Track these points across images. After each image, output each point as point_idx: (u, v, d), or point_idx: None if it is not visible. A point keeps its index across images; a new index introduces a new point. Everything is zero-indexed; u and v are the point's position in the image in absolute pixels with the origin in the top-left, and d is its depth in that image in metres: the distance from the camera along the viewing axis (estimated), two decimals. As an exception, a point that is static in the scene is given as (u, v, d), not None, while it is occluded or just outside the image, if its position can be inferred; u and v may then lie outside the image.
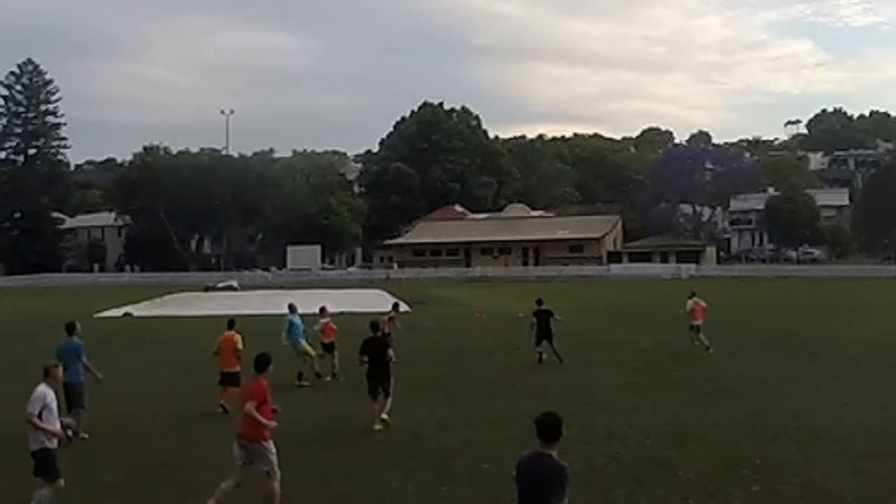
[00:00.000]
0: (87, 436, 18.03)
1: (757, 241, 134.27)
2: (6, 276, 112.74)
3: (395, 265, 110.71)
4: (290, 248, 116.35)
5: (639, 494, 13.37)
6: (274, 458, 12.75)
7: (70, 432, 16.11)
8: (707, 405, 19.97)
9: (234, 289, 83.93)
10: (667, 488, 13.59)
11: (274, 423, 12.92)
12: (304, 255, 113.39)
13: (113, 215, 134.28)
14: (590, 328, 39.05)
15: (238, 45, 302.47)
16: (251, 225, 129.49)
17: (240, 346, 21.02)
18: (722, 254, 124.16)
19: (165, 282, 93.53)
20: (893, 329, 35.72)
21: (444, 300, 59.61)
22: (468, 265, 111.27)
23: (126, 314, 51.52)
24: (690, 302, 30.98)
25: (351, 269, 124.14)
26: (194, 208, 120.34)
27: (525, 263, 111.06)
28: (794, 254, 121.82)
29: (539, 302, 28.43)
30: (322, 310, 27.12)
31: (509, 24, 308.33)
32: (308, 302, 54.44)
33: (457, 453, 16.05)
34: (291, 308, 26.28)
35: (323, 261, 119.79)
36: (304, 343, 25.37)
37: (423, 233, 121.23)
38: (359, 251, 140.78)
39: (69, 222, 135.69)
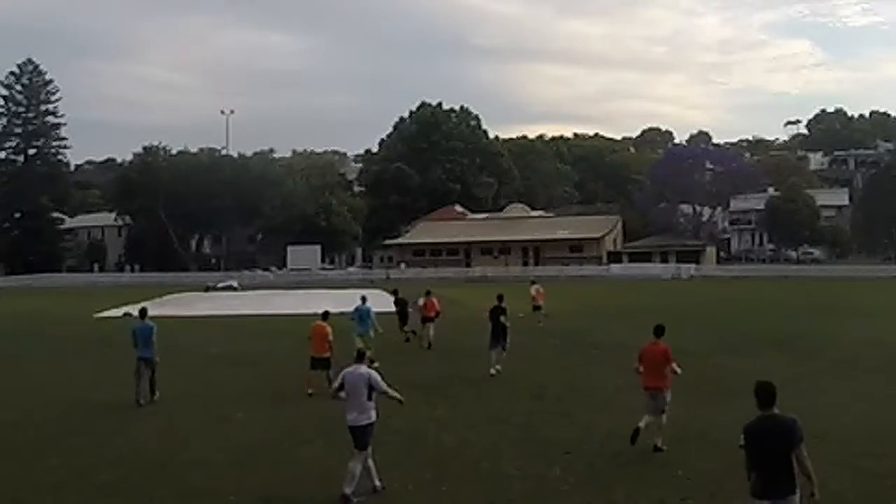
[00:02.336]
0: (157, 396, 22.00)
1: (757, 241, 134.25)
2: (6, 276, 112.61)
3: (402, 265, 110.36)
4: (290, 248, 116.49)
5: (639, 494, 13.39)
6: (667, 401, 16.33)
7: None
8: (707, 405, 19.98)
9: (235, 289, 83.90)
10: (667, 488, 13.60)
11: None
12: (304, 255, 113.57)
13: (113, 215, 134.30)
14: (590, 328, 39.06)
15: (238, 45, 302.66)
16: (251, 225, 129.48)
17: (331, 336, 23.14)
18: (722, 254, 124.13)
19: (165, 282, 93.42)
20: (894, 329, 35.71)
21: (443, 300, 59.52)
22: (468, 265, 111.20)
23: (126, 314, 51.26)
24: (533, 289, 41.63)
25: (351, 268, 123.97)
26: (194, 208, 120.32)
27: (525, 263, 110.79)
28: (793, 254, 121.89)
29: (395, 292, 36.13)
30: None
31: (509, 24, 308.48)
32: (309, 302, 54.89)
33: (457, 453, 16.07)
34: (364, 299, 28.54)
35: (323, 261, 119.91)
36: (371, 334, 27.09)
37: (423, 233, 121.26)
38: (359, 251, 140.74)
39: (69, 222, 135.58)
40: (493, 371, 24.99)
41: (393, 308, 36.18)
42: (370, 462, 13.76)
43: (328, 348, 22.85)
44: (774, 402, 10.03)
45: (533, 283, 44.62)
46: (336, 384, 14.38)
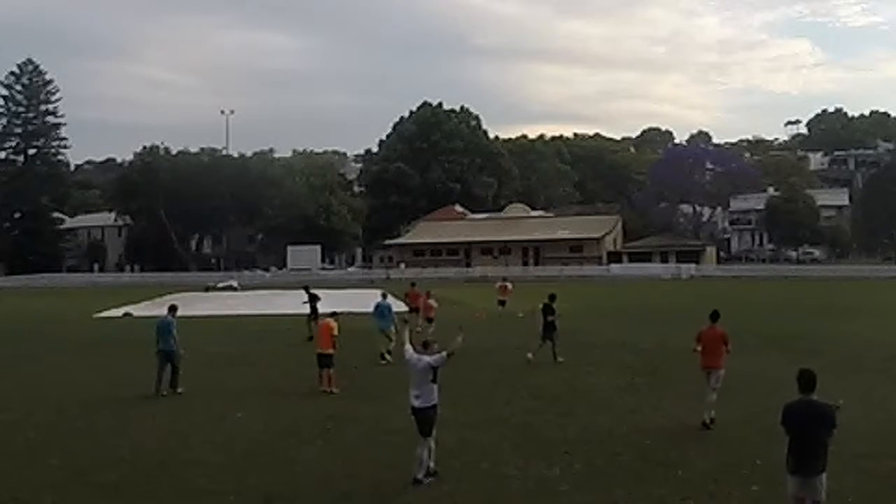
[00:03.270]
0: (182, 390, 23.10)
1: (757, 241, 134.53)
2: (6, 276, 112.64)
3: (402, 265, 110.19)
4: (290, 248, 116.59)
5: (639, 494, 13.41)
6: (721, 377, 18.47)
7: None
8: (707, 405, 20.05)
9: (235, 289, 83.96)
10: (667, 488, 13.63)
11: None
12: (304, 255, 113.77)
13: (113, 215, 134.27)
14: (590, 328, 39.07)
15: (238, 45, 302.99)
16: (251, 225, 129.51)
17: (335, 332, 23.45)
18: (722, 254, 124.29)
19: (165, 282, 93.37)
20: (894, 329, 35.73)
21: (443, 300, 59.70)
22: (468, 265, 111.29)
23: (126, 314, 51.52)
24: (500, 284, 46.34)
25: (351, 269, 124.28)
26: (194, 208, 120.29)
27: (525, 263, 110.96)
28: (794, 254, 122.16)
29: (306, 288, 37.89)
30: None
31: (509, 24, 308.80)
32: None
33: (456, 453, 16.06)
34: (385, 296, 30.63)
35: (323, 261, 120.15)
36: (393, 327, 28.13)
37: (423, 233, 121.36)
38: (359, 251, 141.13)
39: (69, 222, 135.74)
40: (560, 359, 27.51)
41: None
42: (432, 445, 14.66)
43: (332, 345, 23.11)
44: (814, 388, 10.89)
45: (504, 279, 49.02)
46: (405, 351, 15.88)
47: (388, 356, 27.72)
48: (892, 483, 13.64)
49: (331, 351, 23.05)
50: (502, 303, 44.56)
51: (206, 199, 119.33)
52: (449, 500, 13.48)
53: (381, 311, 29.19)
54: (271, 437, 17.95)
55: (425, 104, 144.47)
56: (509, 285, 46.00)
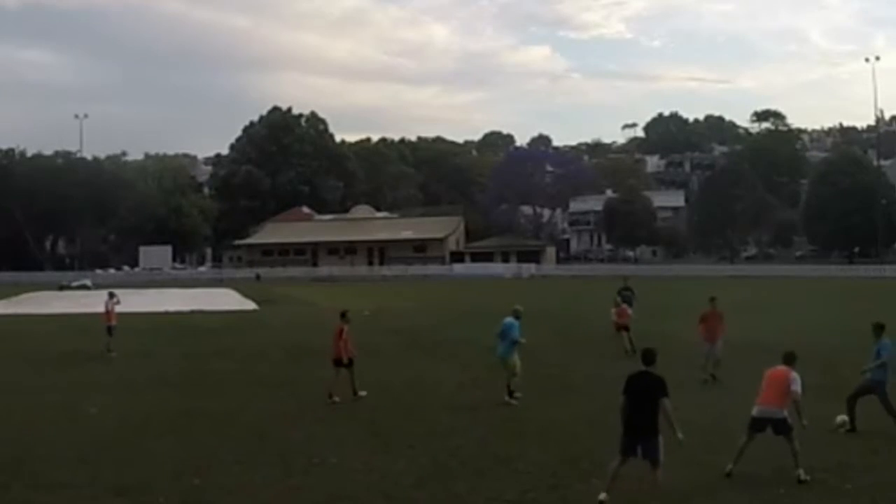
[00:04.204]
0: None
1: (595, 241, 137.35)
2: None
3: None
4: (142, 249, 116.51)
5: (481, 488, 13.68)
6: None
7: None
8: (548, 401, 20.66)
9: (88, 287, 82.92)
10: (508, 482, 14.01)
11: None
12: (155, 255, 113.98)
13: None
14: (434, 326, 39.60)
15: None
16: (104, 226, 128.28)
17: (346, 335, 21.39)
18: (561, 254, 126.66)
19: (21, 281, 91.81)
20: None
21: (290, 299, 59.86)
22: (315, 265, 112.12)
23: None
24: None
25: (201, 268, 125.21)
26: (49, 210, 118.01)
27: (370, 263, 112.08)
28: (631, 253, 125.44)
29: None
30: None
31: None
32: (161, 300, 56.27)
33: (304, 448, 16.33)
34: (517, 313, 21.81)
35: (174, 260, 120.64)
36: (515, 357, 21.23)
37: (272, 233, 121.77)
38: (209, 251, 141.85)
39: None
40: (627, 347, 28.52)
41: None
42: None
43: (349, 349, 21.26)
44: (653, 362, 12.76)
45: (618, 304, 32.21)
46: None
47: (515, 394, 21.01)
48: (723, 474, 14.03)
49: (349, 356, 21.22)
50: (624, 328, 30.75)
51: (61, 201, 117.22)
52: (296, 493, 13.66)
53: (503, 331, 21.46)
54: (124, 431, 17.99)
55: (276, 108, 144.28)
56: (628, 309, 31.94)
